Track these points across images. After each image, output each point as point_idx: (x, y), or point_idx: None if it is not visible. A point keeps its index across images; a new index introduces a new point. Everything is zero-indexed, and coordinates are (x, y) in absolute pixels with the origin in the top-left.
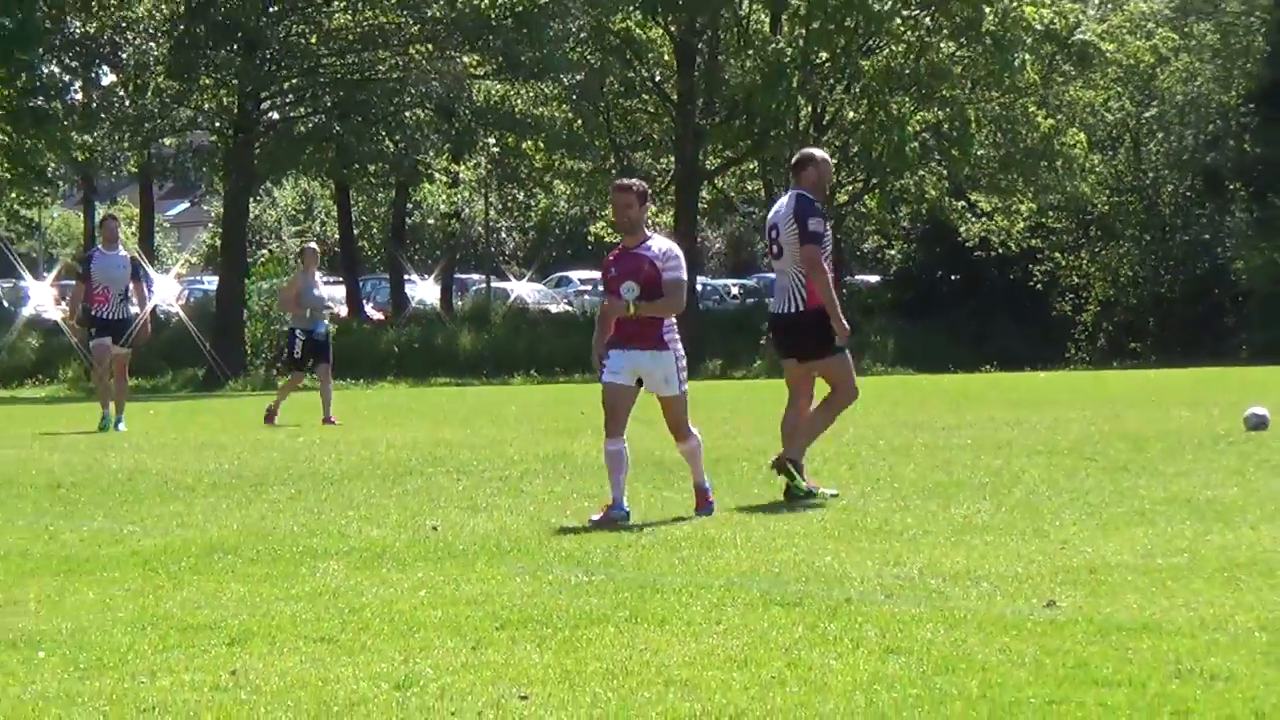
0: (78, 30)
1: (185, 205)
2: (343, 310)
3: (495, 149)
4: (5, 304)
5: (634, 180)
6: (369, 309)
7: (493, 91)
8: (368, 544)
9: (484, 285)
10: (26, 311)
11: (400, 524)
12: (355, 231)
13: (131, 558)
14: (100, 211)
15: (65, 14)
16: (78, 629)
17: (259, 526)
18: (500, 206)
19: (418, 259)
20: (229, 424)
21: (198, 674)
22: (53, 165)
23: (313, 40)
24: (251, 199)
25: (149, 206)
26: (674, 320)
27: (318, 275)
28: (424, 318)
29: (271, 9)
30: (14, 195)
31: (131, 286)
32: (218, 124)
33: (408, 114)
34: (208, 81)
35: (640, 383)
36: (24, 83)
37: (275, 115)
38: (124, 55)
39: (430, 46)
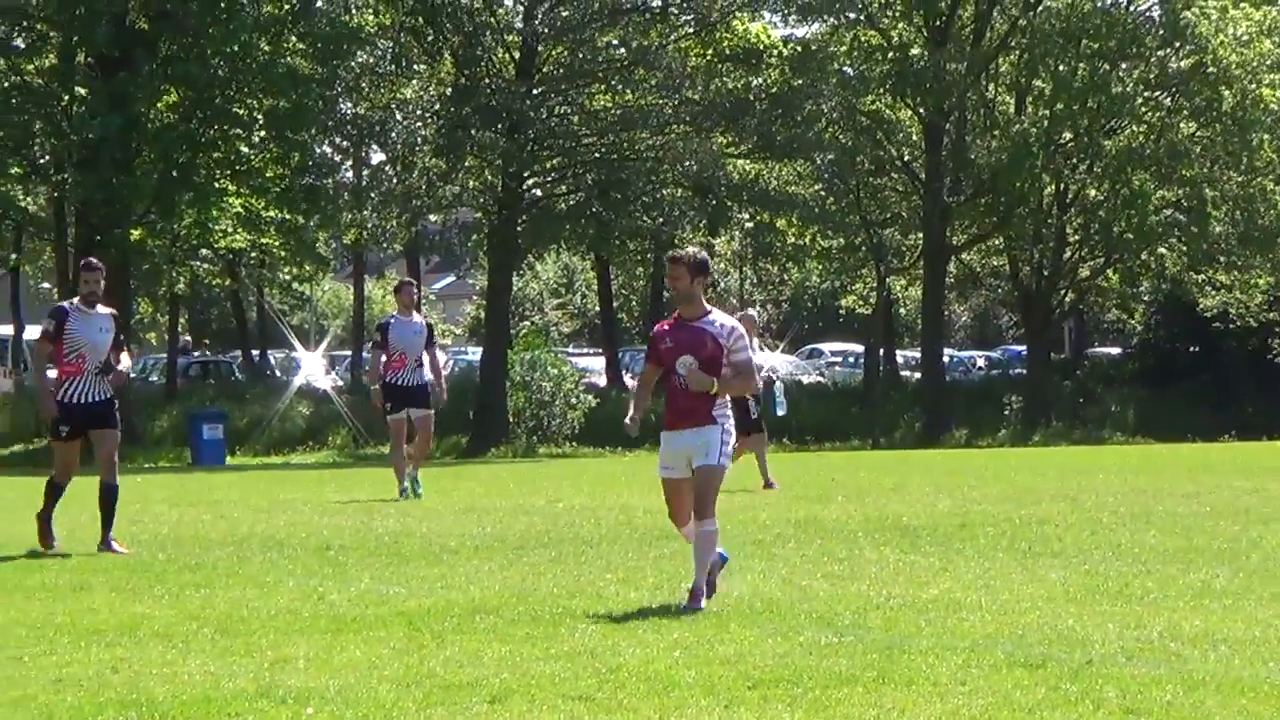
0: (349, 111)
1: (451, 279)
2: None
3: (750, 225)
4: (278, 373)
5: (687, 251)
6: (628, 379)
7: (747, 169)
8: (625, 605)
9: None
10: (298, 381)
11: (657, 586)
12: (615, 304)
13: (397, 618)
14: (371, 286)
15: (338, 96)
16: (345, 686)
17: (520, 588)
18: (755, 280)
19: None
20: (491, 489)
21: None
22: (324, 241)
23: (574, 121)
24: (515, 273)
25: (416, 280)
26: (727, 399)
27: (756, 342)
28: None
29: (535, 92)
30: (287, 270)
31: (425, 355)
32: (482, 201)
33: (665, 191)
34: (473, 161)
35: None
36: (297, 162)
37: (538, 193)
38: (393, 135)
39: (687, 127)
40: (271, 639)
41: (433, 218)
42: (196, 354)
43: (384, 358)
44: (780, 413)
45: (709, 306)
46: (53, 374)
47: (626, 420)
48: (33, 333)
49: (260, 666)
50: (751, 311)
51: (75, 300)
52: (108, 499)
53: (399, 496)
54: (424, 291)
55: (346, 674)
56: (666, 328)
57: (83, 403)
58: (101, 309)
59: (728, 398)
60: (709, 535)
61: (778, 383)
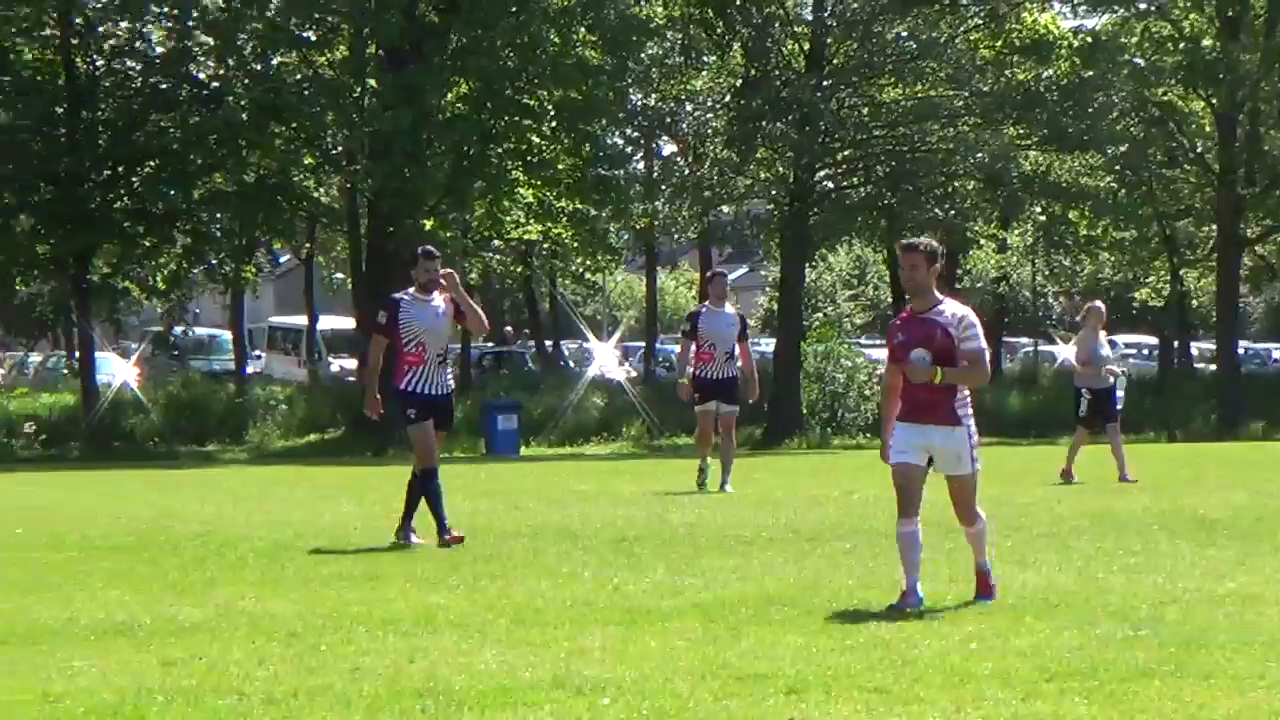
0: (639, 103)
1: (744, 270)
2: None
3: (1041, 217)
4: (571, 364)
5: (923, 240)
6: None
7: (1039, 161)
8: (921, 597)
9: (1032, 348)
10: (591, 372)
11: (952, 578)
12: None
13: (692, 609)
14: (663, 277)
15: (628, 87)
16: (640, 677)
17: (814, 580)
18: (1047, 272)
19: None
20: (786, 481)
21: None
22: (615, 232)
23: (864, 113)
24: (807, 265)
25: (708, 271)
26: (968, 393)
27: (1103, 335)
28: None
29: (825, 84)
30: (580, 261)
31: (737, 346)
32: (774, 193)
33: (956, 183)
34: (764, 153)
35: (931, 461)
36: (588, 153)
37: (829, 185)
38: (684, 126)
39: (977, 119)
40: (567, 629)
41: (724, 209)
42: (489, 345)
43: (693, 349)
44: (1118, 407)
45: (940, 296)
46: (362, 369)
47: (883, 435)
48: (326, 323)
49: (556, 657)
50: (1098, 304)
51: (410, 290)
52: (433, 488)
53: (697, 482)
54: None
55: (642, 665)
56: (899, 322)
57: (429, 394)
58: (438, 296)
59: (967, 391)
60: (981, 532)
61: (1120, 376)
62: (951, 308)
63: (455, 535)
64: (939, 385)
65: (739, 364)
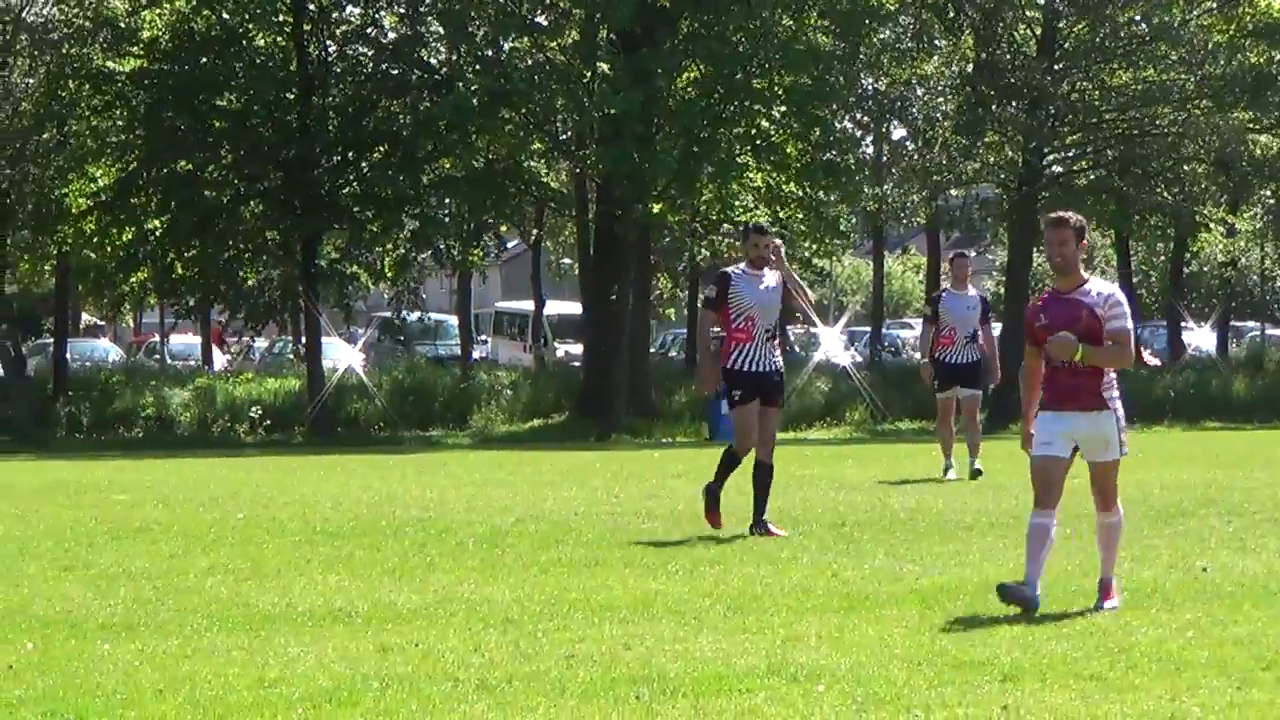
0: (870, 87)
1: (972, 253)
2: None
3: (1271, 201)
4: (796, 349)
5: (1071, 214)
6: (1147, 355)
7: (1269, 145)
8: (1139, 584)
9: (1259, 332)
10: (817, 356)
11: (1171, 564)
12: (1134, 280)
13: (910, 595)
14: (891, 262)
15: (859, 72)
16: (856, 664)
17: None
18: (1276, 256)
19: (1195, 306)
20: (1008, 466)
21: (971, 709)
22: (845, 216)
23: (1095, 97)
24: (1034, 249)
25: (936, 255)
26: (1114, 375)
27: None
28: (1200, 364)
29: (1055, 68)
30: (807, 245)
31: (979, 329)
32: (1002, 176)
33: (1186, 167)
34: (993, 137)
35: (1075, 450)
36: (818, 137)
37: (1058, 169)
38: (914, 111)
39: (1209, 103)
40: (784, 616)
41: (953, 193)
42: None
43: (934, 332)
44: None
45: (1086, 275)
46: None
47: (1025, 424)
48: (553, 308)
49: (772, 644)
50: None
51: (741, 265)
52: (763, 479)
53: (943, 473)
54: (943, 266)
55: (858, 652)
56: (1040, 304)
57: (757, 371)
58: (769, 272)
59: (1113, 374)
60: (1116, 526)
61: None
62: (1098, 286)
63: (720, 523)
64: (1083, 369)
65: (981, 347)
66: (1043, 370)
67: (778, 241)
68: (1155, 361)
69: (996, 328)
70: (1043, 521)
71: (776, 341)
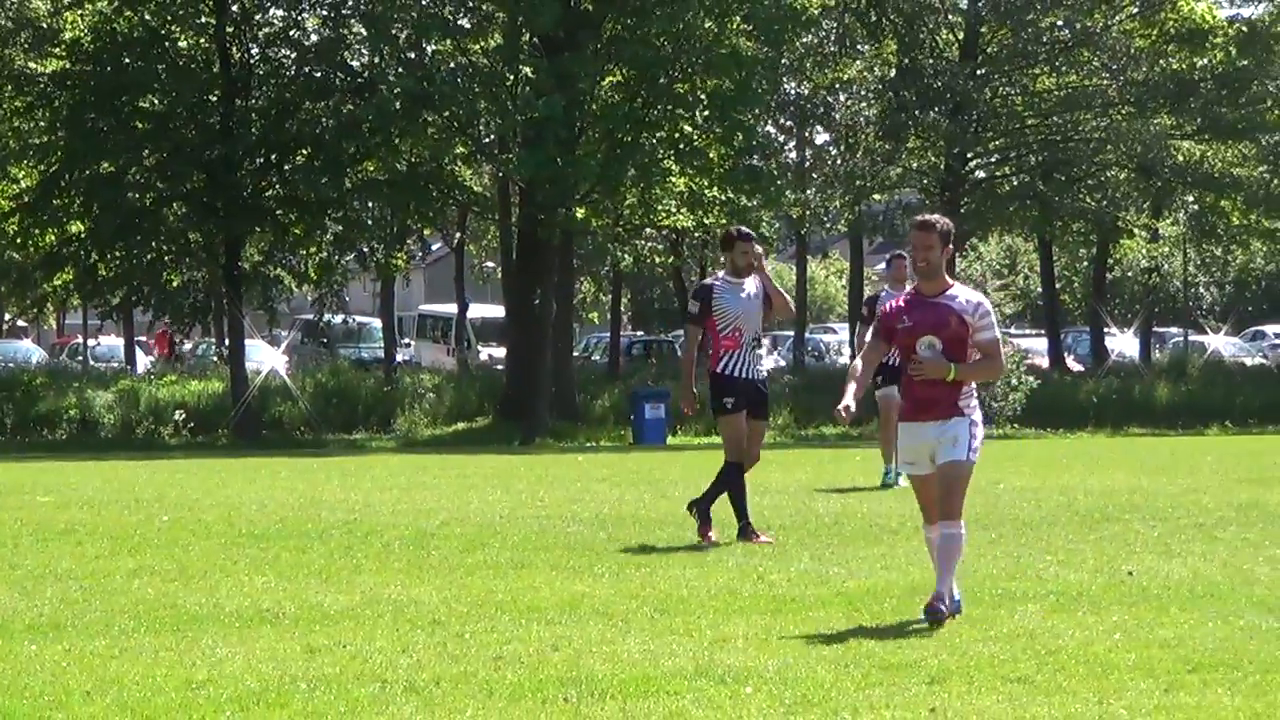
0: (793, 92)
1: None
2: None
3: (1194, 207)
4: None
5: (938, 217)
6: (1069, 360)
7: (1192, 151)
8: (1065, 587)
9: (1182, 338)
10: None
11: (1097, 568)
12: (1057, 286)
13: (836, 598)
14: (813, 266)
15: (781, 77)
16: (783, 666)
17: (959, 570)
18: (1199, 262)
19: (1117, 312)
20: None
21: (898, 711)
22: (767, 221)
23: (1017, 102)
24: (958, 254)
25: (859, 260)
26: (974, 387)
27: None
28: (1122, 369)
29: (978, 73)
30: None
31: None
32: (925, 182)
33: (1109, 173)
34: (916, 142)
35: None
36: (741, 142)
37: (981, 174)
38: (836, 116)
39: (1131, 108)
40: (711, 618)
41: (876, 198)
42: (639, 333)
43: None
44: None
45: (951, 280)
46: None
47: (839, 408)
48: (476, 311)
49: (699, 645)
50: None
51: (721, 273)
52: (726, 480)
53: (882, 483)
54: (866, 272)
55: (785, 653)
56: (902, 304)
57: (745, 377)
58: (750, 279)
59: (973, 385)
60: (954, 539)
61: None
62: (965, 294)
63: (763, 538)
64: (943, 382)
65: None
66: (877, 361)
67: (759, 248)
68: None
69: None
70: (933, 535)
71: (763, 349)
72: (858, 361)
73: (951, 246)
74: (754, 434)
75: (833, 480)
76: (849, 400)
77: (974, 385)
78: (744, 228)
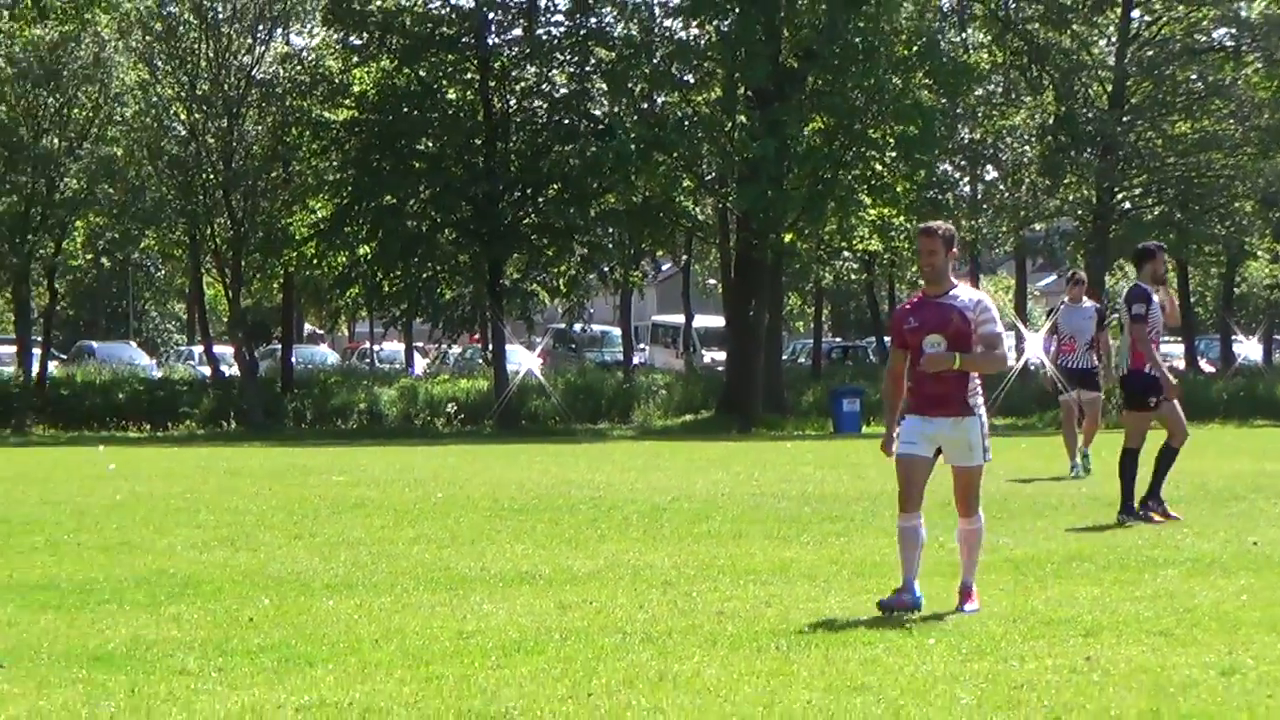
0: (966, 136)
1: (1053, 277)
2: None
3: None
4: None
5: (939, 224)
6: (1202, 364)
7: None
8: (1199, 555)
9: None
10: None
11: (1226, 539)
12: (1192, 299)
13: (1004, 564)
14: (984, 283)
15: (957, 123)
16: (960, 621)
17: (1110, 540)
18: None
19: (1243, 322)
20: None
21: (1058, 659)
22: None
23: (1158, 145)
24: (1107, 273)
25: (1022, 279)
26: (979, 382)
27: None
28: (1248, 371)
29: (1124, 120)
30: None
31: (1096, 337)
32: (1079, 212)
33: (1236, 204)
34: (1071, 179)
35: (939, 452)
36: (922, 179)
37: (1127, 205)
38: (1003, 156)
39: (1255, 149)
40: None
41: (1037, 226)
42: (837, 339)
43: (1055, 341)
44: None
45: (954, 281)
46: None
47: (883, 444)
48: (700, 321)
49: None
50: None
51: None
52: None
53: (1070, 473)
54: (1029, 288)
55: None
56: (909, 307)
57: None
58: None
59: (978, 381)
60: (977, 533)
61: None
62: (966, 292)
63: (1167, 514)
64: (951, 376)
65: (1098, 353)
66: (903, 376)
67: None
68: (1210, 369)
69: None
70: (909, 525)
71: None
72: (886, 379)
73: (955, 250)
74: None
75: (1002, 464)
76: (889, 426)
77: (979, 383)
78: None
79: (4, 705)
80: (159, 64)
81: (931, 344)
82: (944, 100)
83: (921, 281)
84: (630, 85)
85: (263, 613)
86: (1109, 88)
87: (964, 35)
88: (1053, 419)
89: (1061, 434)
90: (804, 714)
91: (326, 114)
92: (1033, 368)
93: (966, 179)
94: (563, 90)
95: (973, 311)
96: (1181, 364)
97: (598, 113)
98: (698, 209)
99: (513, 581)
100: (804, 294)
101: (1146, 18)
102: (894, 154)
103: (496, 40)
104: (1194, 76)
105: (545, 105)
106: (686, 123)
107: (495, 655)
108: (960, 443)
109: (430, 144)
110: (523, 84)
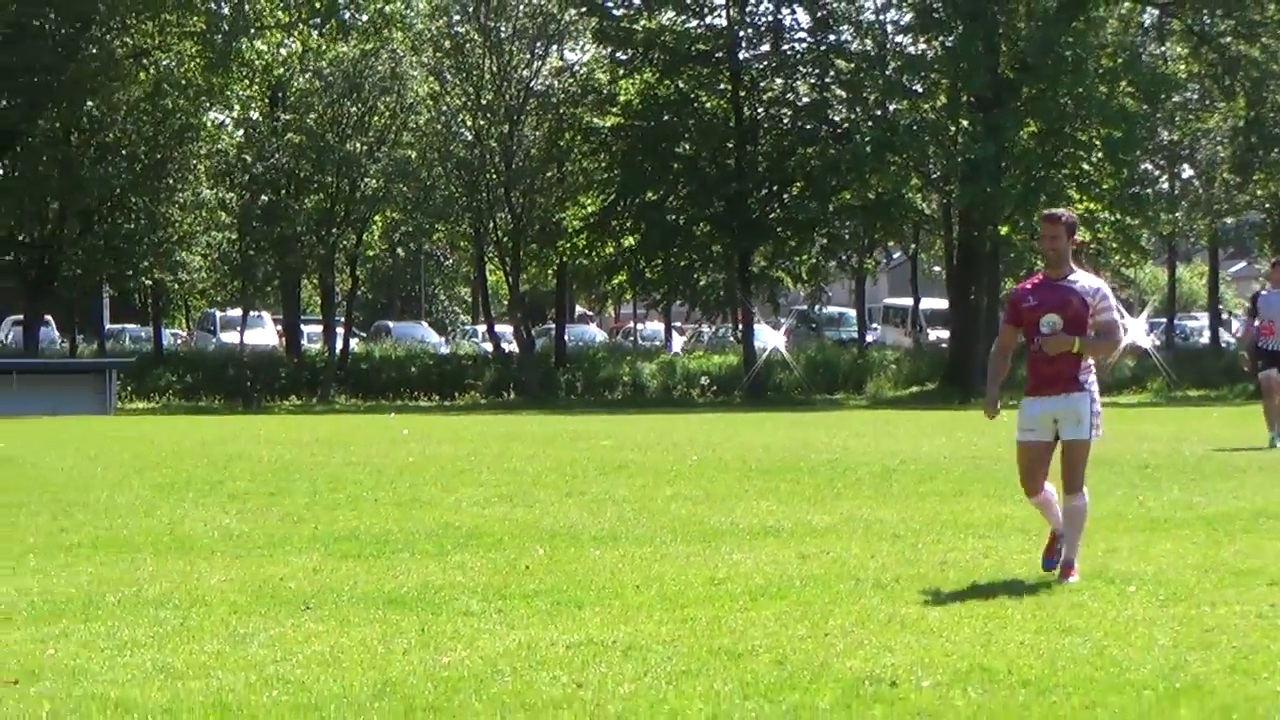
0: (1165, 138)
1: (1242, 265)
2: None
3: None
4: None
5: (1063, 211)
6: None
7: None
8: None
9: None
10: (1125, 341)
11: None
12: None
13: (1198, 520)
14: (1181, 270)
15: (1157, 127)
16: (1158, 571)
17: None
18: None
19: None
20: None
21: (1245, 605)
22: (1145, 237)
23: None
24: None
25: (1214, 266)
26: (1091, 363)
27: None
28: None
29: None
30: (1117, 258)
31: None
32: (1268, 206)
33: None
34: (1260, 176)
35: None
36: (1125, 177)
37: None
38: (1199, 156)
39: None
40: (1103, 534)
41: (1228, 219)
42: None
43: (1255, 324)
44: None
45: (1074, 267)
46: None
47: (985, 407)
48: (927, 303)
49: (1094, 555)
50: None
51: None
52: None
53: (1270, 445)
54: (1221, 274)
55: (1159, 562)
56: (1029, 287)
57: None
58: None
59: (1092, 363)
60: (1080, 511)
61: None
62: (1085, 279)
63: None
64: (1066, 356)
65: None
66: (1011, 350)
67: None
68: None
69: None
70: (1038, 500)
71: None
72: (995, 351)
73: (1077, 237)
74: None
75: (1197, 431)
76: (992, 406)
77: (1091, 363)
78: None
79: (311, 641)
80: (448, 77)
81: (1048, 324)
82: (1145, 106)
83: (1041, 264)
84: (865, 94)
85: (537, 561)
86: None
87: (1163, 48)
88: (1241, 390)
89: (1262, 406)
90: (1017, 653)
91: (596, 120)
92: (1144, 349)
93: (1165, 176)
94: (805, 99)
95: (1092, 298)
96: None
97: (836, 119)
98: (924, 204)
99: (759, 534)
100: (1019, 279)
101: None
102: (1100, 155)
103: (746, 55)
104: None
105: (790, 112)
106: (915, 127)
107: (743, 599)
108: (1070, 414)
109: (687, 147)
110: (770, 94)
